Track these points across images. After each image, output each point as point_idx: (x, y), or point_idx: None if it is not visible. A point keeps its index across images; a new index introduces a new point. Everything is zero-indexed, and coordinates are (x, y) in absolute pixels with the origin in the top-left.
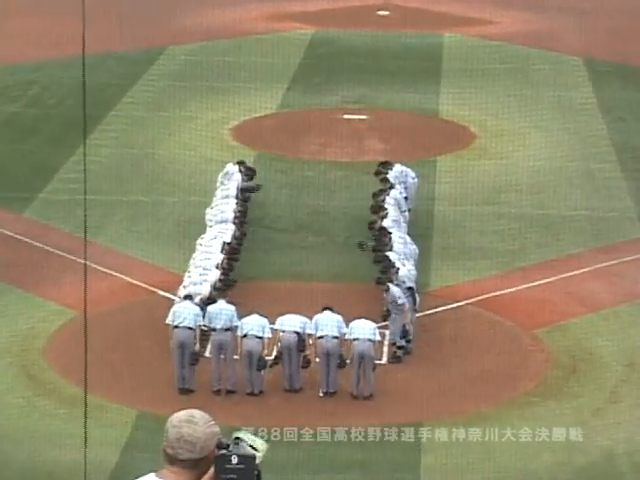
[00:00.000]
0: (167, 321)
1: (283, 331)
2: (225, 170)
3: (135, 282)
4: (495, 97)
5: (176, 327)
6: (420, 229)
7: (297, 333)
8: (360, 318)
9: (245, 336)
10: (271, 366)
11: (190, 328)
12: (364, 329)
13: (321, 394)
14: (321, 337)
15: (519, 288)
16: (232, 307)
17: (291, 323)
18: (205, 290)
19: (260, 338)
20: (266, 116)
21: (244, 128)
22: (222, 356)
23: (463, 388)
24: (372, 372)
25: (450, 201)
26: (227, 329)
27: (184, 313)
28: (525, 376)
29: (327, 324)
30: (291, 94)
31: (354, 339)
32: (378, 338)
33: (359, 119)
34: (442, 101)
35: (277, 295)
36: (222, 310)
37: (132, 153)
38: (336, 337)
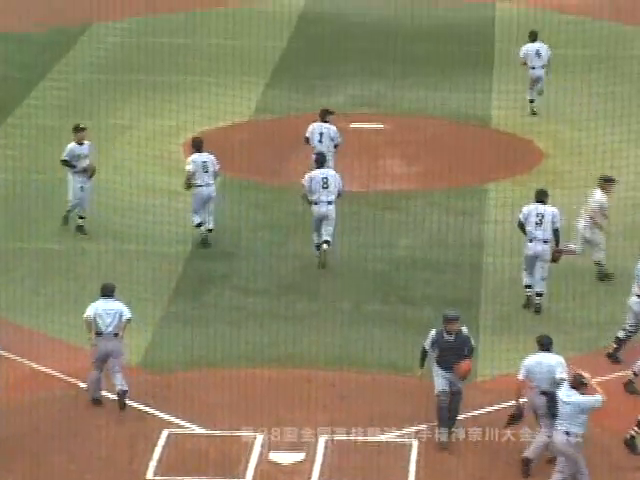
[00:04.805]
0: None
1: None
2: None
3: (44, 369)
4: (573, 97)
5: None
6: (461, 291)
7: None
8: None
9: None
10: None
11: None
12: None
13: None
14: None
15: (610, 377)
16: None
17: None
18: None
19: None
20: (236, 126)
21: (204, 143)
22: None
23: None
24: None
25: (506, 250)
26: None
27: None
28: None
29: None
30: (272, 93)
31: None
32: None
33: (373, 129)
34: (495, 103)
35: (250, 390)
36: None
37: (38, 180)
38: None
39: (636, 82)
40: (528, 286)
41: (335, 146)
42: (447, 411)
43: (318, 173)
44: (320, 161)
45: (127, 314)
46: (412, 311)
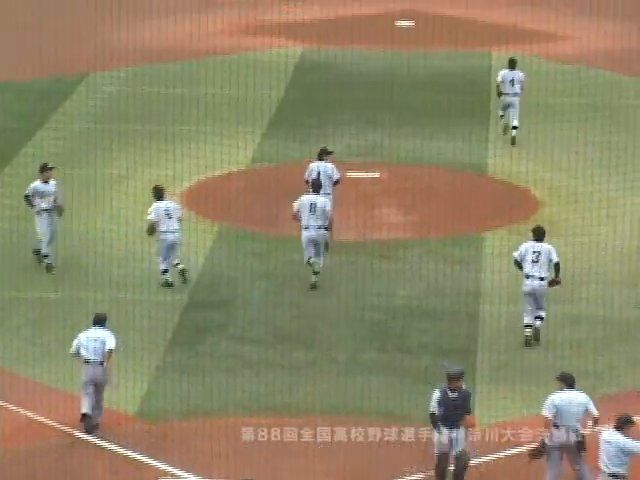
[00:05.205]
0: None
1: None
2: None
3: (40, 419)
4: (569, 146)
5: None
6: (458, 339)
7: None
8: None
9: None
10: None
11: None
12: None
13: None
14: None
15: (606, 427)
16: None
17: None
18: None
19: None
20: (232, 175)
21: (200, 192)
22: None
23: None
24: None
25: (502, 298)
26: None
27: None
28: None
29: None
30: (269, 142)
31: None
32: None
33: (369, 178)
34: (492, 152)
35: (246, 439)
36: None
37: (34, 230)
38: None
39: (632, 131)
40: (528, 325)
41: (335, 183)
42: (444, 472)
43: (308, 199)
44: (317, 185)
45: (110, 344)
46: (409, 360)
